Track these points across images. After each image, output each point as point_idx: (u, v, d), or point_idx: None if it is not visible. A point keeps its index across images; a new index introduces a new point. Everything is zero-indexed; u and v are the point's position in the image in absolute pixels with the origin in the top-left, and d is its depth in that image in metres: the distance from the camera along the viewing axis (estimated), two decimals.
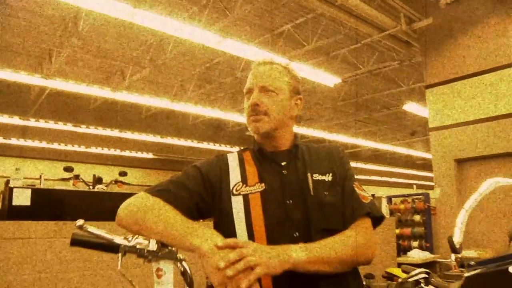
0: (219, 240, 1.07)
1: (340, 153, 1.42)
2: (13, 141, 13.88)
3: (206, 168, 1.36)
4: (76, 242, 1.07)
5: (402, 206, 7.17)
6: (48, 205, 3.01)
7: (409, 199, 7.40)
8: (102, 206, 3.01)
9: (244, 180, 1.32)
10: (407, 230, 7.02)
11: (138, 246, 1.06)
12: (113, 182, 5.45)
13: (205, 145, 15.94)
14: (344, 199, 1.30)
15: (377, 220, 1.33)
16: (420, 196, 7.28)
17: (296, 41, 9.43)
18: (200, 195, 1.30)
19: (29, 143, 14.20)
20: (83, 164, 13.55)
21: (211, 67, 11.30)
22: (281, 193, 1.29)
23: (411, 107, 10.96)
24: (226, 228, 1.21)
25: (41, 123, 11.84)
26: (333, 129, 16.66)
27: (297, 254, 1.11)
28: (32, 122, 11.80)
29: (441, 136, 6.79)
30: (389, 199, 7.43)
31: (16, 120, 11.68)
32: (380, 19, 7.08)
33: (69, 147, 14.93)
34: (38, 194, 2.97)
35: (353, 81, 11.90)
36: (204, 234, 1.09)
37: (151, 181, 12.76)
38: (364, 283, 3.78)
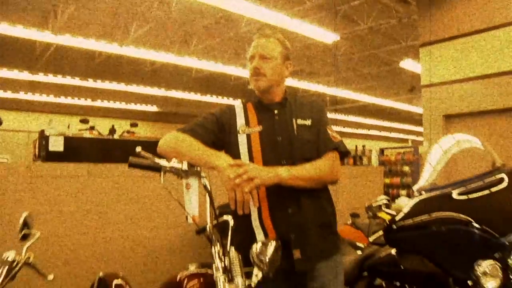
0: (231, 161, 1.59)
1: (319, 105, 1.93)
2: (21, 95, 14.28)
3: (220, 114, 1.89)
4: (131, 164, 1.55)
5: (393, 158, 7.69)
6: (78, 150, 3.50)
7: (401, 151, 7.91)
8: (122, 151, 3.53)
9: (247, 123, 1.85)
10: (397, 180, 7.58)
11: (175, 166, 1.55)
12: (126, 132, 5.94)
13: (208, 98, 16.34)
14: (319, 138, 1.81)
15: (344, 154, 1.83)
16: (410, 149, 7.79)
17: None
18: (215, 133, 1.83)
19: (37, 97, 14.62)
20: (91, 118, 14.04)
21: (214, 23, 11.50)
22: (273, 133, 1.83)
23: (408, 64, 11.26)
24: (234, 156, 1.71)
25: (50, 77, 12.16)
26: (333, 83, 16.96)
27: (283, 172, 1.65)
28: (40, 77, 12.13)
29: (432, 93, 7.18)
30: (382, 151, 7.94)
31: (25, 75, 12.00)
32: None
33: (76, 101, 15.36)
34: (69, 141, 3.46)
35: (353, 37, 12.09)
36: (221, 156, 1.63)
37: (155, 134, 13.27)
38: (349, 221, 4.32)
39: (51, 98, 14.76)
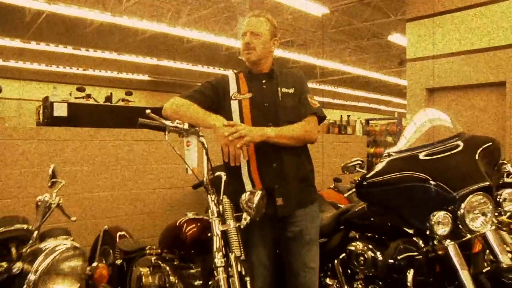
0: (225, 121, 1.90)
1: (300, 76, 2.26)
2: (11, 63, 14.24)
3: (215, 82, 2.19)
4: (141, 124, 1.83)
5: (377, 128, 8.03)
6: (81, 116, 3.75)
7: (386, 122, 8.24)
8: (119, 117, 3.81)
9: (239, 90, 2.15)
10: (381, 150, 7.94)
11: (178, 126, 1.84)
12: (121, 100, 6.17)
13: (199, 68, 16.44)
14: (300, 104, 2.10)
15: (322, 118, 2.19)
16: (395, 121, 8.13)
17: None
18: (211, 98, 2.13)
19: (28, 65, 14.58)
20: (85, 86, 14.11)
21: None
22: (261, 99, 2.13)
23: (396, 37, 11.49)
24: (227, 118, 2.01)
25: (42, 46, 12.16)
26: (324, 55, 17.12)
27: (269, 131, 1.98)
28: (32, 45, 12.12)
29: (416, 67, 7.46)
30: (367, 121, 8.26)
31: (16, 43, 11.97)
32: None
33: (68, 70, 15.36)
34: (72, 107, 3.71)
35: (344, 9, 12.22)
36: (216, 118, 1.95)
37: (148, 103, 13.43)
38: (332, 185, 4.66)
39: (43, 67, 14.73)
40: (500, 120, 6.43)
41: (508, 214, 3.10)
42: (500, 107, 6.48)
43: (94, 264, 1.44)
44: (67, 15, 11.07)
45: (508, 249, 2.44)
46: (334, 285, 2.75)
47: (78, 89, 5.99)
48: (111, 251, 2.82)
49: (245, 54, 2.15)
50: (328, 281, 2.79)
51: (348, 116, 7.00)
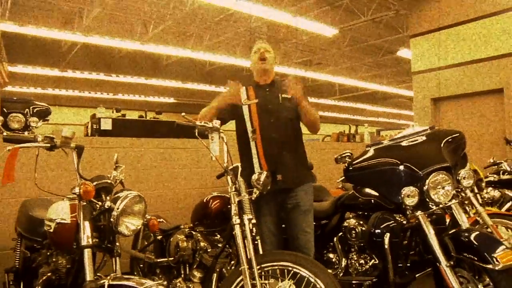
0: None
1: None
2: (49, 90, 15.42)
3: None
4: (178, 125, 2.52)
5: (387, 138, 8.55)
6: (123, 128, 4.50)
7: (395, 132, 8.76)
8: (153, 130, 4.55)
9: (248, 97, 2.84)
10: None
11: (205, 125, 2.51)
12: (152, 118, 6.96)
13: (221, 89, 17.28)
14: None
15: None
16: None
17: None
18: (228, 108, 2.79)
19: (63, 92, 15.74)
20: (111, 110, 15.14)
21: (225, 19, 12.44)
22: (266, 103, 2.82)
23: (404, 52, 12.10)
24: (241, 120, 2.72)
25: (77, 74, 13.22)
26: (341, 72, 17.76)
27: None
28: (69, 73, 13.19)
29: (421, 79, 8.03)
30: (378, 132, 8.81)
31: (55, 72, 13.06)
32: None
33: (98, 95, 16.46)
34: (116, 121, 4.46)
35: (357, 28, 12.88)
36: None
37: None
38: (340, 185, 5.22)
39: (76, 93, 15.83)
40: (500, 123, 6.92)
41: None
42: (499, 111, 6.98)
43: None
44: (96, 45, 12.02)
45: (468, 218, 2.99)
46: (334, 259, 3.33)
47: (117, 110, 6.83)
48: (151, 234, 3.48)
49: (261, 63, 2.85)
50: (330, 255, 3.37)
51: (356, 126, 7.59)
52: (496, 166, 4.99)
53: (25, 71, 13.01)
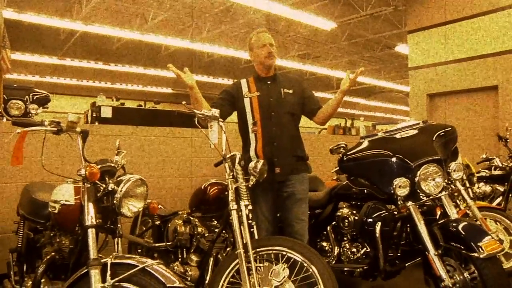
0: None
1: (297, 79, 3.02)
2: (47, 78, 15.39)
3: (230, 88, 2.97)
4: (179, 113, 2.59)
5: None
6: (123, 116, 4.57)
7: (390, 127, 8.86)
8: (151, 118, 4.63)
9: (249, 90, 2.90)
10: None
11: (205, 114, 2.58)
12: (151, 107, 7.03)
13: (219, 80, 17.35)
14: (308, 98, 2.94)
15: None
16: None
17: None
18: (228, 100, 2.88)
19: (61, 80, 15.73)
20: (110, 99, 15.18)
21: (224, 10, 12.46)
22: (267, 96, 2.87)
23: (402, 48, 12.17)
24: (242, 112, 2.80)
25: (75, 62, 13.21)
26: (338, 66, 17.82)
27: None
28: (67, 61, 13.19)
29: (418, 75, 8.11)
30: (374, 126, 8.91)
31: (53, 60, 13.05)
32: None
33: (96, 84, 16.46)
34: (116, 109, 4.53)
35: (356, 22, 12.95)
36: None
37: None
38: (335, 177, 5.31)
39: (74, 81, 15.83)
40: (494, 120, 7.03)
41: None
42: (494, 108, 7.08)
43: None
44: (95, 34, 12.00)
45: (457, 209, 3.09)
46: (328, 247, 3.43)
47: (116, 99, 6.90)
48: (150, 220, 3.56)
49: (269, 59, 2.87)
50: (323, 244, 3.47)
51: (352, 119, 7.69)
52: (488, 162, 5.11)
53: (22, 58, 12.98)
